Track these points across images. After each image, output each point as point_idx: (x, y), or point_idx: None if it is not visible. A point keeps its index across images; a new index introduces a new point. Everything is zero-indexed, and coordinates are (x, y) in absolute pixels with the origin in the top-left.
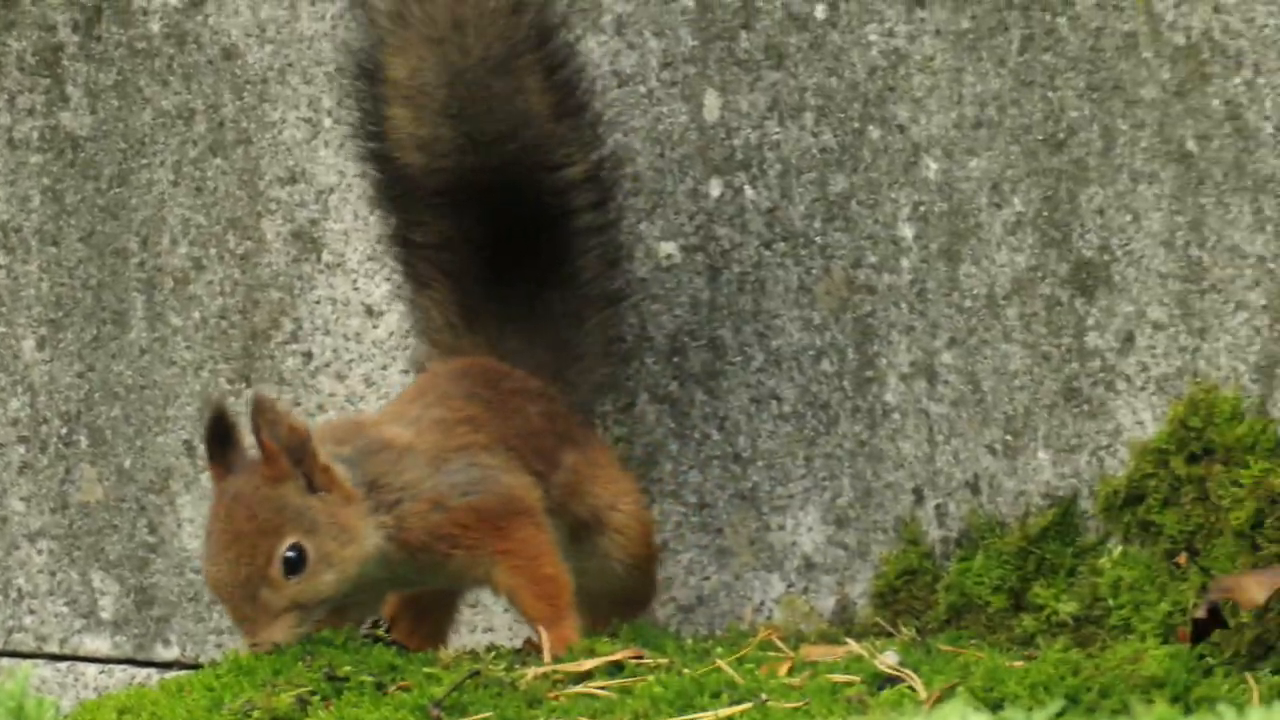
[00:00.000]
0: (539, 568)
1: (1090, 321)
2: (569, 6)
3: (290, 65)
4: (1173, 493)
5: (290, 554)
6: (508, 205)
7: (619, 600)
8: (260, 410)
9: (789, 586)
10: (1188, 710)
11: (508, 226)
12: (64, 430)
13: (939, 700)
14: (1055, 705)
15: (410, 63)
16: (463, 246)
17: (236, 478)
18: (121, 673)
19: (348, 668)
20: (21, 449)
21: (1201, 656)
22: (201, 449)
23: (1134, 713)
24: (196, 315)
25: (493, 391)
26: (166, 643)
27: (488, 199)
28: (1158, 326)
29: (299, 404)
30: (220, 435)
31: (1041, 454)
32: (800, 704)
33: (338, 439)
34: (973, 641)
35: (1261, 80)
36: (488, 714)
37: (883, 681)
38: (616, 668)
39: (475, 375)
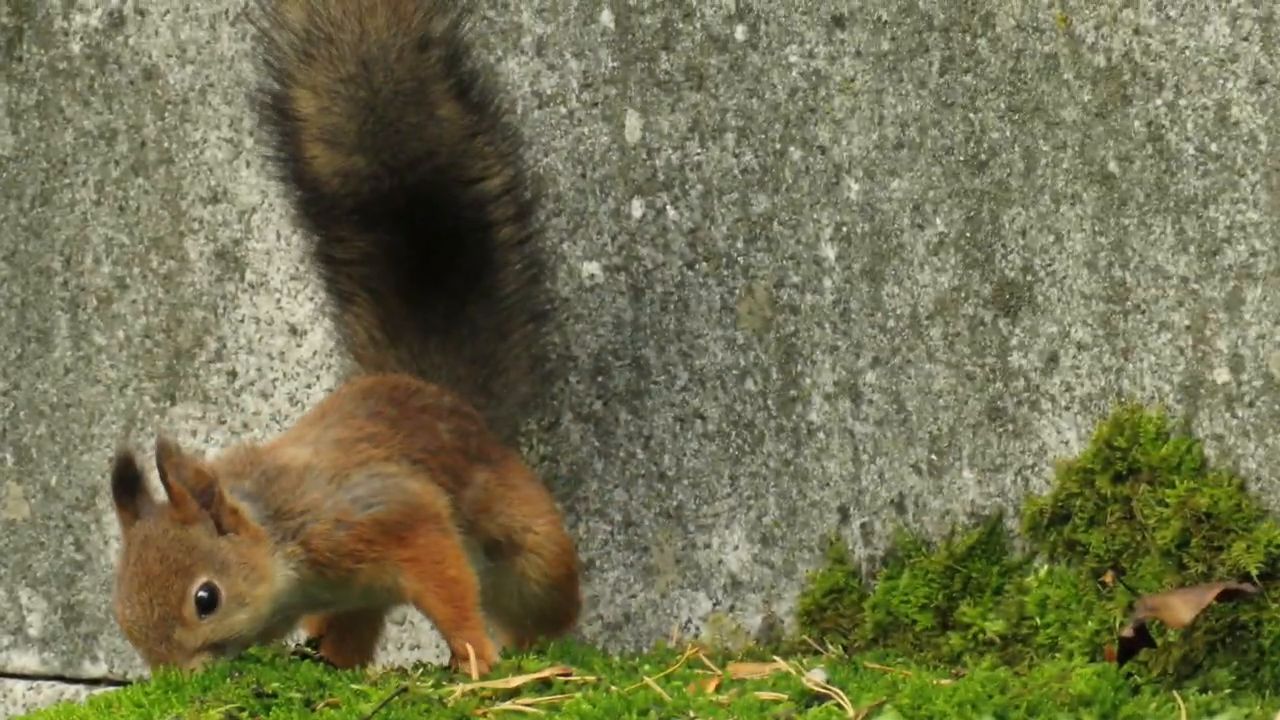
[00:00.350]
0: (443, 571)
1: (1014, 341)
2: (475, 27)
3: (211, 85)
4: (1098, 512)
5: (203, 593)
6: (426, 220)
7: (541, 619)
8: (166, 454)
9: (715, 605)
10: None
11: (427, 241)
12: None
13: (867, 718)
14: None
15: (320, 101)
16: (383, 261)
17: (145, 522)
18: (50, 689)
19: (276, 684)
20: None
21: (1129, 675)
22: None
23: None
24: (120, 334)
25: (398, 409)
26: (94, 659)
27: (406, 215)
28: (1081, 347)
29: (224, 422)
30: (127, 481)
31: (967, 473)
32: None
33: (236, 472)
34: (900, 660)
35: (1183, 102)
36: None
37: (810, 699)
38: (544, 685)
39: (381, 393)
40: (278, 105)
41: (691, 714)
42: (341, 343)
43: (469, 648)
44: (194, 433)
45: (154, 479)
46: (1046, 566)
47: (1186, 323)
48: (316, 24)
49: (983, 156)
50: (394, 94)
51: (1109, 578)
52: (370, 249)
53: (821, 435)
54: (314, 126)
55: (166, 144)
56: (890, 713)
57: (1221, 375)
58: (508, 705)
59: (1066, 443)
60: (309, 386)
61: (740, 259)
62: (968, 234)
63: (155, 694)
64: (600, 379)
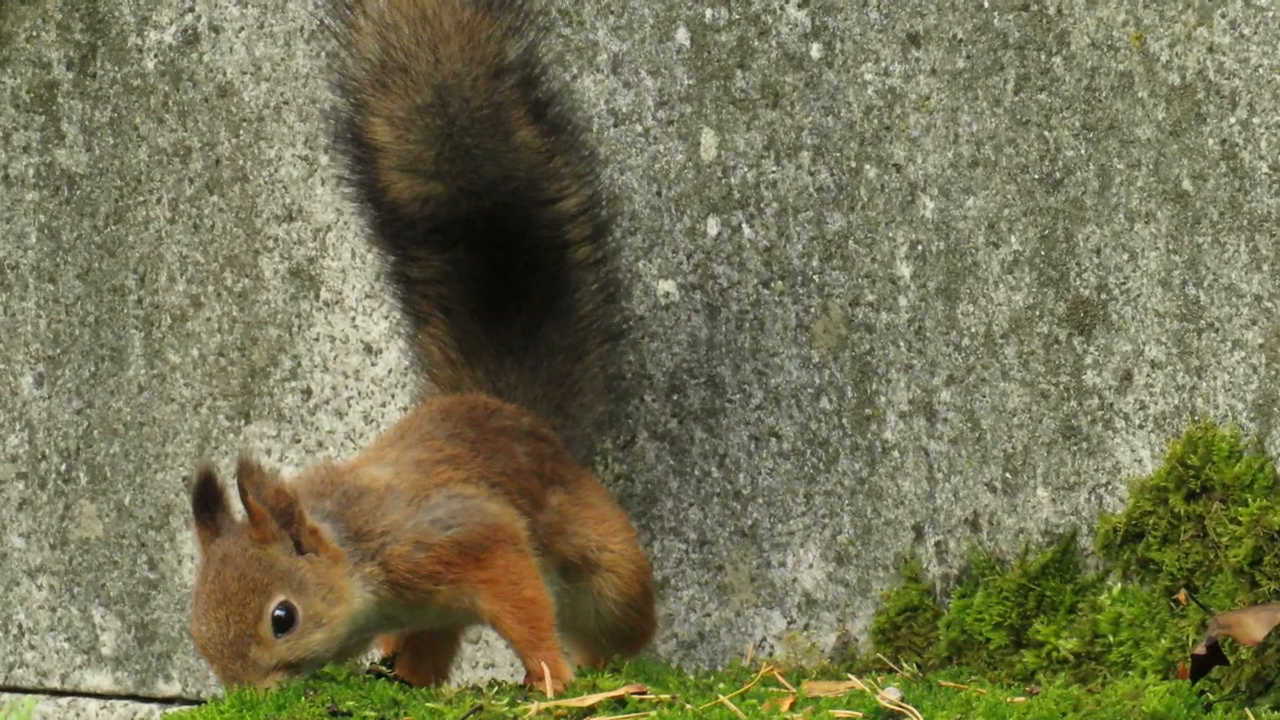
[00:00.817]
0: (520, 592)
1: (1088, 360)
2: (550, 46)
3: (286, 103)
4: (1171, 530)
5: (280, 612)
6: (503, 241)
7: (617, 638)
8: (246, 473)
9: (790, 623)
10: None
11: (504, 261)
12: (63, 466)
13: None
14: None
15: (395, 130)
16: (459, 281)
17: (224, 540)
18: (123, 708)
19: (350, 703)
20: (20, 485)
21: (1202, 693)
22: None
23: None
24: (195, 352)
25: (477, 431)
26: (168, 678)
27: (483, 236)
28: (1155, 365)
29: (298, 440)
30: (207, 498)
31: (1041, 491)
32: None
33: (317, 492)
34: (974, 678)
35: (1256, 120)
36: None
37: (885, 717)
38: (619, 703)
39: (460, 414)
40: (353, 133)
41: None
42: (416, 362)
43: (544, 667)
44: (268, 451)
45: (234, 497)
46: (1120, 584)
47: (1260, 341)
48: (390, 54)
49: (1057, 175)
50: (470, 121)
51: (1182, 596)
52: (446, 268)
53: (896, 453)
54: (391, 155)
55: (241, 161)
56: None
57: None
58: None
59: (1140, 461)
60: (384, 405)
61: (815, 277)
62: (1042, 252)
63: (230, 713)
64: (675, 397)
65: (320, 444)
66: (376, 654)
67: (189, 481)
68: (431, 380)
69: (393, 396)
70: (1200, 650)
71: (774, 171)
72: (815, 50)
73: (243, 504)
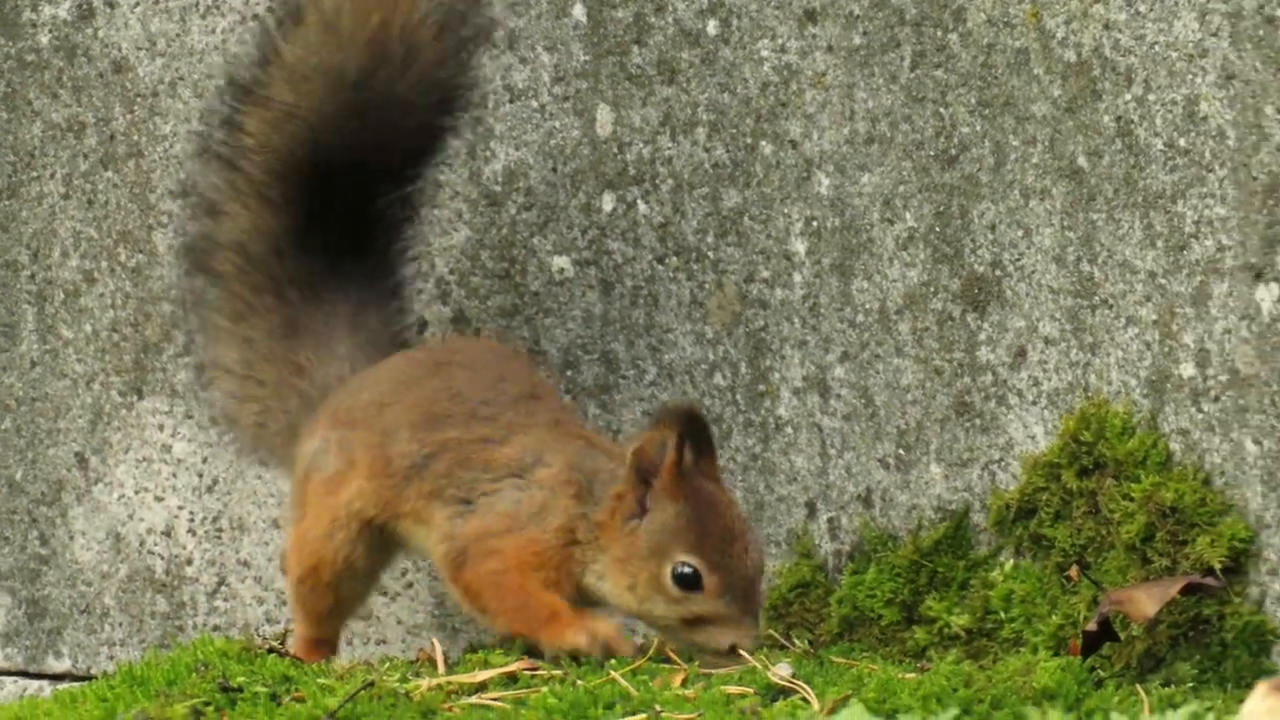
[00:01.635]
0: None
1: (982, 336)
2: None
3: (181, 78)
4: (1064, 506)
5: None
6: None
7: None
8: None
9: None
10: None
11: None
12: None
13: (832, 712)
14: (948, 716)
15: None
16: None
17: (699, 481)
18: (13, 684)
19: (241, 679)
20: None
21: (1093, 669)
22: (95, 460)
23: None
24: (88, 328)
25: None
26: (58, 654)
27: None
28: (1049, 341)
29: (190, 416)
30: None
31: (934, 468)
32: (694, 715)
33: None
34: (865, 654)
35: (1152, 97)
36: None
37: (776, 693)
38: (511, 679)
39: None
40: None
41: (658, 708)
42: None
43: (436, 644)
44: (161, 427)
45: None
46: (1012, 561)
47: (1154, 317)
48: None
49: (953, 151)
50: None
51: (1074, 572)
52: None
53: (790, 430)
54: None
55: (136, 137)
56: (855, 707)
57: (1188, 370)
58: (474, 699)
59: (1033, 437)
60: None
61: (710, 254)
62: (937, 229)
63: (120, 688)
64: (569, 373)
65: (214, 420)
66: (268, 629)
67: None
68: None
69: None
70: (1092, 627)
71: (669, 148)
72: (712, 26)
73: (704, 451)
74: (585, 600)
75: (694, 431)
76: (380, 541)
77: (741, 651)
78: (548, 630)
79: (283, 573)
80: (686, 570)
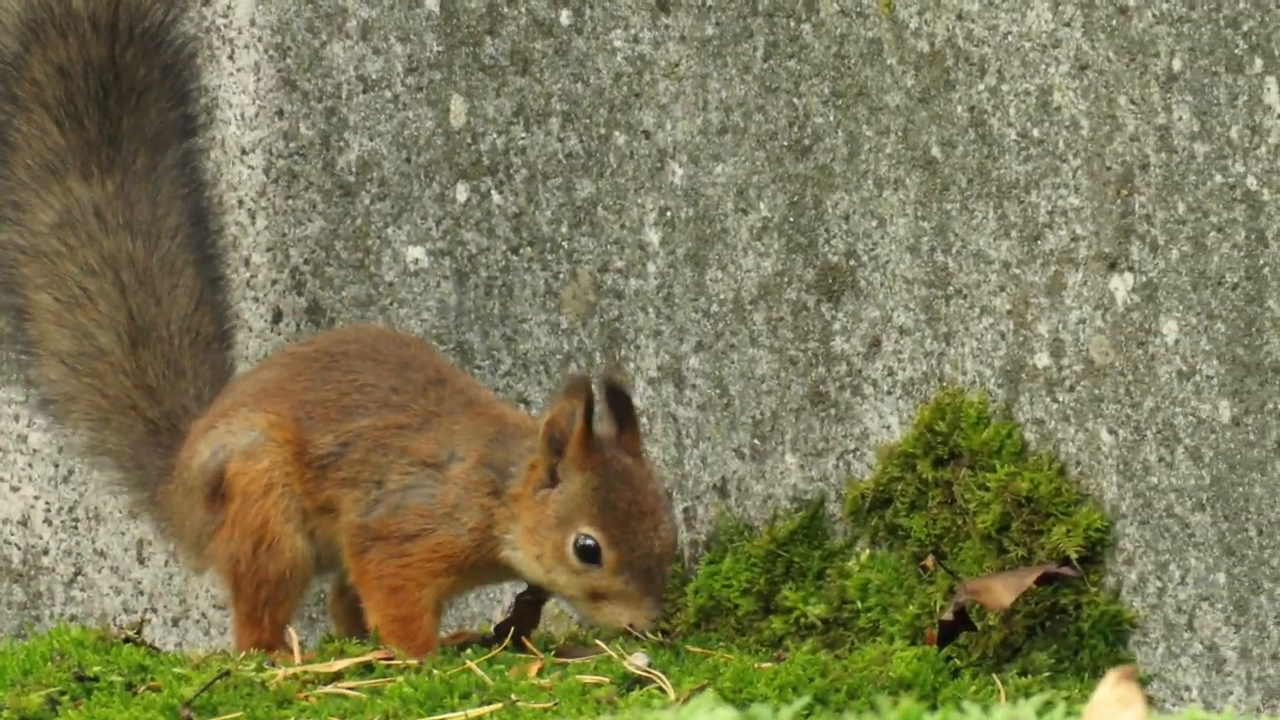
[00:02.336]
0: None
1: (837, 326)
2: (304, 14)
3: None
4: (920, 496)
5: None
6: None
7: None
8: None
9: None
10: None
11: None
12: None
13: (687, 701)
14: (801, 705)
15: None
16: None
17: (614, 452)
18: None
19: (97, 668)
20: None
21: (949, 659)
22: None
23: (880, 711)
24: None
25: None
26: None
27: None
28: (904, 331)
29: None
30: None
31: (789, 458)
32: (550, 705)
33: None
34: (722, 644)
35: (1005, 87)
36: (238, 714)
37: (632, 683)
38: (367, 668)
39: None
40: None
41: (513, 697)
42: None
43: (293, 634)
44: (16, 417)
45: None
46: (868, 551)
47: (1008, 307)
48: None
49: (806, 141)
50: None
51: (930, 562)
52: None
53: (645, 420)
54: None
55: None
56: (711, 696)
57: (1042, 360)
58: (330, 688)
59: (888, 427)
60: None
61: (565, 244)
62: (791, 219)
63: None
64: None
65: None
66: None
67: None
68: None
69: None
70: (948, 616)
71: (523, 138)
72: (565, 17)
73: (626, 419)
74: (505, 576)
75: (616, 405)
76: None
77: (636, 634)
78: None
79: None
80: (588, 543)
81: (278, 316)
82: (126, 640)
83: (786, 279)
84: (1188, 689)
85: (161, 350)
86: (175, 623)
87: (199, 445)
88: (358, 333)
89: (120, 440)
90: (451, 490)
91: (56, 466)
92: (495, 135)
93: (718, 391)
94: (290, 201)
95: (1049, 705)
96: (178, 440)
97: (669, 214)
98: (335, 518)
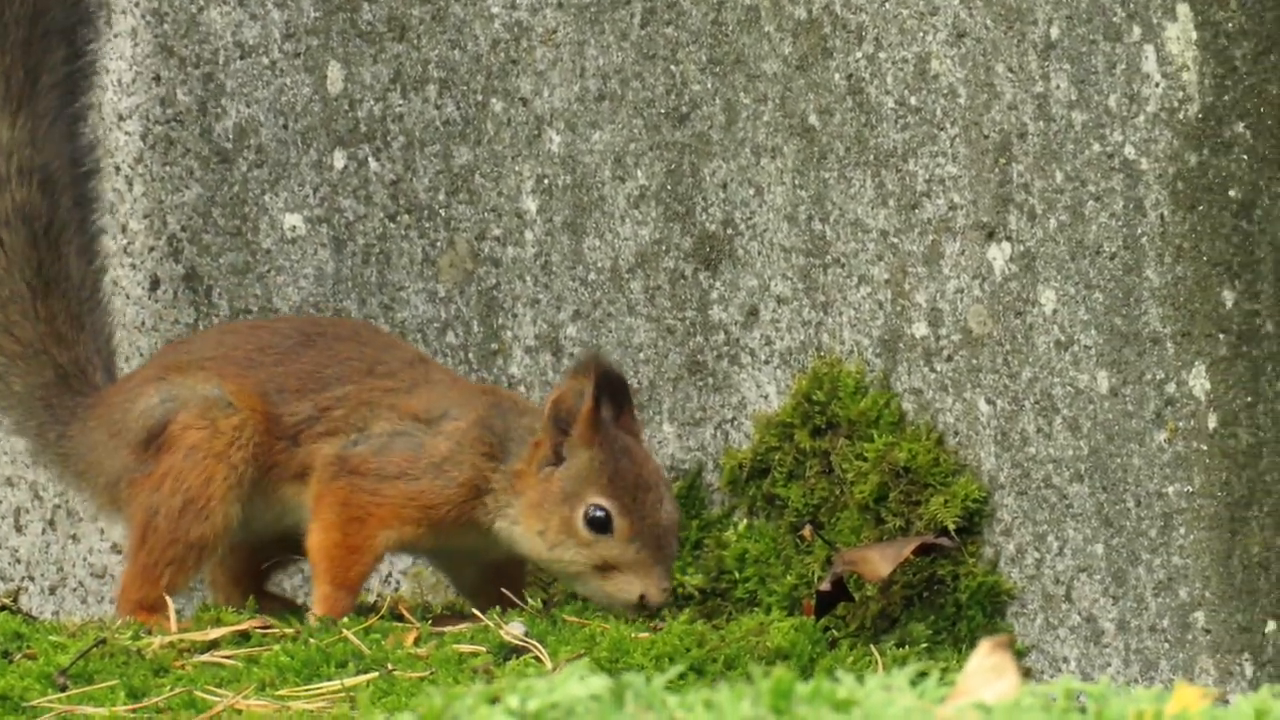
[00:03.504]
0: None
1: (715, 295)
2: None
3: None
4: (797, 466)
5: None
6: None
7: None
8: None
9: (415, 559)
10: None
11: None
12: None
13: (563, 670)
14: (674, 673)
15: None
16: None
17: (617, 431)
18: None
19: None
20: None
21: (827, 629)
22: None
23: (754, 680)
24: None
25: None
26: None
27: None
28: (781, 300)
29: None
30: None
31: (667, 427)
32: (426, 674)
33: None
34: (599, 614)
35: (883, 55)
36: (113, 682)
37: (509, 652)
38: (243, 637)
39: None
40: None
41: (390, 666)
42: None
43: (169, 601)
44: None
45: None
46: (746, 521)
47: (886, 276)
48: None
49: (684, 109)
50: None
51: (807, 532)
52: None
53: (522, 388)
54: None
55: None
56: (587, 665)
57: (920, 329)
58: (206, 657)
59: (766, 397)
60: None
61: (442, 211)
62: (669, 187)
63: None
64: None
65: None
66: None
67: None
68: None
69: None
70: (825, 587)
71: (401, 105)
72: None
73: (621, 403)
74: (496, 549)
75: (612, 388)
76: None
77: (650, 604)
78: (328, 598)
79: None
80: (599, 513)
81: (155, 284)
82: (2, 608)
83: (664, 247)
84: (1066, 660)
85: (66, 302)
86: (52, 591)
87: (145, 389)
88: (334, 319)
89: (28, 383)
90: (443, 443)
91: None
92: (372, 102)
93: None
94: (167, 168)
95: (923, 675)
96: (87, 386)
97: (546, 181)
98: (306, 483)
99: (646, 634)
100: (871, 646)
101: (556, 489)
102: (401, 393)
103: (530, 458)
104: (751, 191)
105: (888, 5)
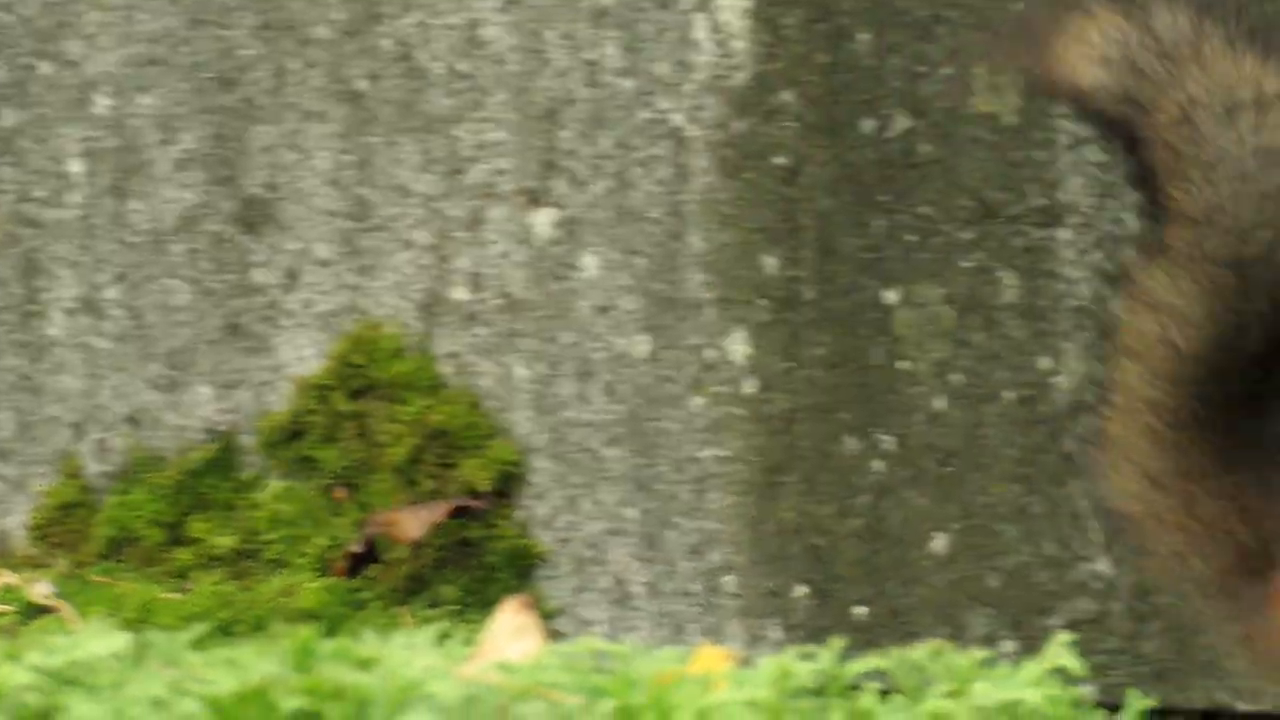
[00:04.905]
0: None
1: (257, 258)
2: None
3: None
4: (333, 428)
5: None
6: None
7: None
8: None
9: None
10: None
11: None
12: None
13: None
14: (200, 630)
15: None
16: None
17: None
18: None
19: None
20: None
21: (356, 590)
22: None
23: (277, 638)
24: None
25: None
26: None
27: None
28: (323, 264)
29: None
30: None
31: (203, 389)
32: None
33: None
34: (129, 574)
35: (434, 20)
36: None
37: (35, 612)
38: None
39: None
40: None
41: None
42: None
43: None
44: None
45: None
46: (279, 483)
47: (429, 241)
48: None
49: (233, 74)
50: None
51: (339, 494)
52: None
53: (60, 350)
54: None
55: None
56: (113, 624)
57: (461, 293)
58: None
59: (304, 359)
60: None
61: None
62: (215, 151)
63: None
64: None
65: None
66: None
67: None
68: None
69: None
70: (357, 549)
71: None
72: None
73: None
74: None
75: None
76: None
77: None
78: None
79: None
80: None
81: None
82: None
83: (207, 210)
84: (597, 623)
85: None
86: None
87: None
88: None
89: None
90: None
91: None
92: None
93: (135, 323)
94: None
95: (444, 634)
96: None
97: (92, 144)
98: None
99: (176, 595)
100: (402, 608)
101: None
102: None
103: None
104: (296, 156)
105: None
